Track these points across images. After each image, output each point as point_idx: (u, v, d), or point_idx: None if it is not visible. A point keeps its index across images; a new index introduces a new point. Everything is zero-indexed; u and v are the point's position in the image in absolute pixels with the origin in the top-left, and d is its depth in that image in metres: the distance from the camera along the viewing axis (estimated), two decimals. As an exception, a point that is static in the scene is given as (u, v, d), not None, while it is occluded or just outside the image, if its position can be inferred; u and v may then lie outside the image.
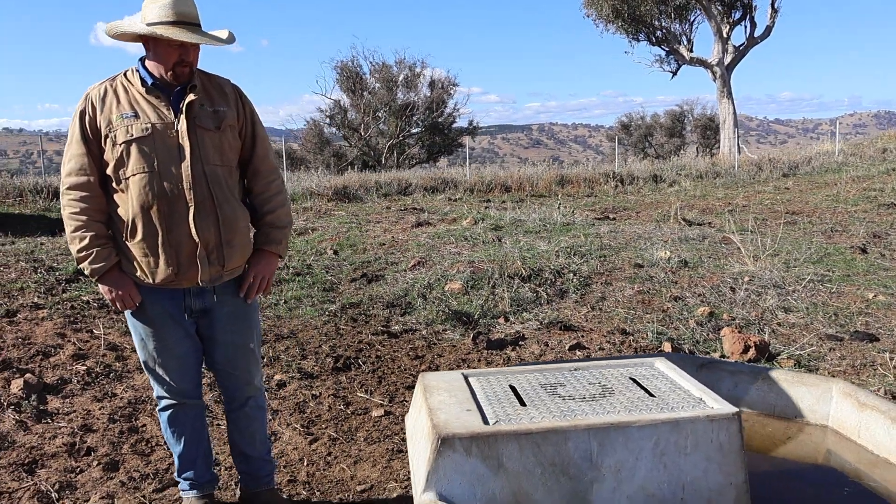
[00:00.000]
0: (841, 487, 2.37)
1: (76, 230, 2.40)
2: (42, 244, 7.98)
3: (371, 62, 39.03)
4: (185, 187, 2.38)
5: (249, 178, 2.62)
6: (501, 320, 5.89)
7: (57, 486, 3.05)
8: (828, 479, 2.45)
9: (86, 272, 2.44)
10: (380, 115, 32.81)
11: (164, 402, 2.65)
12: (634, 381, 2.41)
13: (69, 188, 2.40)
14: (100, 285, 2.46)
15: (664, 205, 12.15)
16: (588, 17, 26.52)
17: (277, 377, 4.49)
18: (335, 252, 8.09)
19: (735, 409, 2.08)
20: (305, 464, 3.36)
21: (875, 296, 6.54)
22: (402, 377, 4.63)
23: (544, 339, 5.45)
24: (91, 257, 2.40)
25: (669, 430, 2.03)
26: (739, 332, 5.65)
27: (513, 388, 2.35)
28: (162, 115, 2.40)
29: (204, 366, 2.67)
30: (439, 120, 33.26)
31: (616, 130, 40.65)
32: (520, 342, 5.41)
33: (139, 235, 2.38)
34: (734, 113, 25.41)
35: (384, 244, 8.54)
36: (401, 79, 32.66)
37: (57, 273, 6.45)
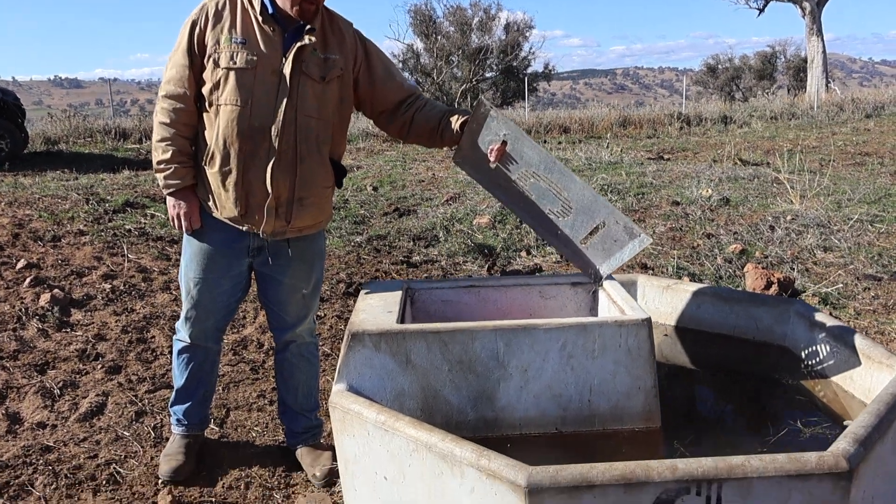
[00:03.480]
0: (775, 401, 2.36)
1: (162, 140, 2.37)
2: (102, 180, 8.42)
3: (445, 5, 38.53)
4: (273, 133, 2.30)
5: (396, 113, 2.55)
6: (523, 254, 5.92)
7: (61, 385, 3.34)
8: (766, 394, 2.44)
9: (159, 183, 2.42)
10: (453, 59, 32.49)
11: (179, 336, 2.65)
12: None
13: (166, 96, 2.35)
14: (168, 199, 2.44)
15: (728, 146, 11.73)
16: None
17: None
18: (374, 189, 8.23)
19: (645, 315, 2.09)
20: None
21: (925, 236, 6.22)
22: (409, 303, 4.75)
23: (561, 271, 5.46)
24: (169, 172, 2.38)
25: (577, 333, 2.07)
26: (764, 268, 5.50)
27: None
28: (271, 50, 2.31)
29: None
30: (514, 64, 32.70)
31: (702, 73, 39.01)
32: (535, 273, 5.43)
33: (216, 166, 2.34)
34: (823, 52, 24.02)
35: (423, 181, 8.63)
36: (475, 22, 32.14)
37: (107, 204, 6.82)
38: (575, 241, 2.43)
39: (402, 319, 2.23)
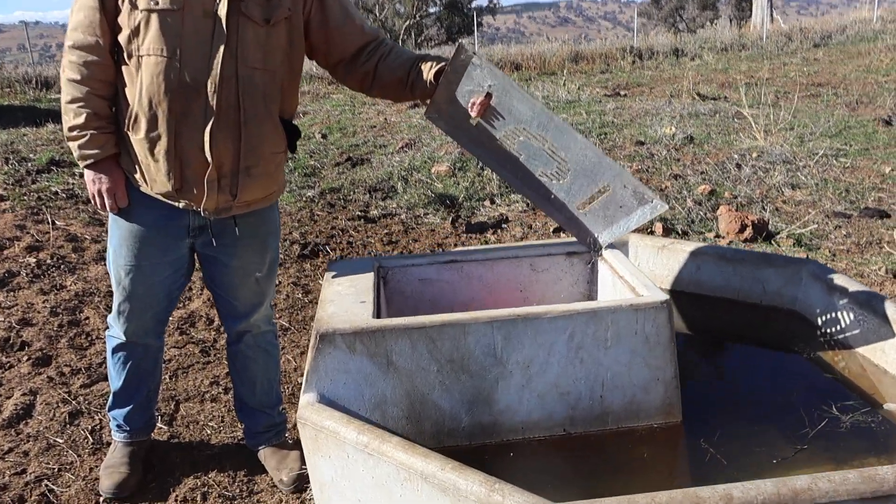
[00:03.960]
0: (798, 379, 2.12)
1: (73, 101, 1.96)
2: (24, 135, 7.73)
3: (384, -65, 37.08)
4: (209, 89, 1.92)
5: (356, 62, 2.17)
6: (487, 203, 5.60)
7: (-21, 383, 2.92)
8: (786, 371, 2.19)
9: (74, 154, 2.01)
10: (395, -7, 31.36)
11: (113, 332, 2.29)
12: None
13: (74, 46, 1.94)
14: (86, 172, 2.05)
15: (682, 80, 11.49)
16: None
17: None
18: (323, 136, 7.75)
19: (664, 297, 1.80)
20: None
21: (892, 170, 6.10)
22: (370, 264, 4.41)
23: (528, 221, 5.16)
24: (84, 140, 1.98)
25: (587, 321, 1.76)
26: (737, 210, 5.32)
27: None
28: None
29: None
30: (458, -2, 31.72)
31: (646, 4, 38.59)
32: (502, 225, 5.13)
33: (142, 131, 1.95)
34: (767, -20, 23.79)
35: (375, 126, 8.17)
36: (416, -47, 30.96)
37: (29, 164, 6.24)
38: (571, 206, 2.11)
39: (378, 310, 1.89)
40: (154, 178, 2.02)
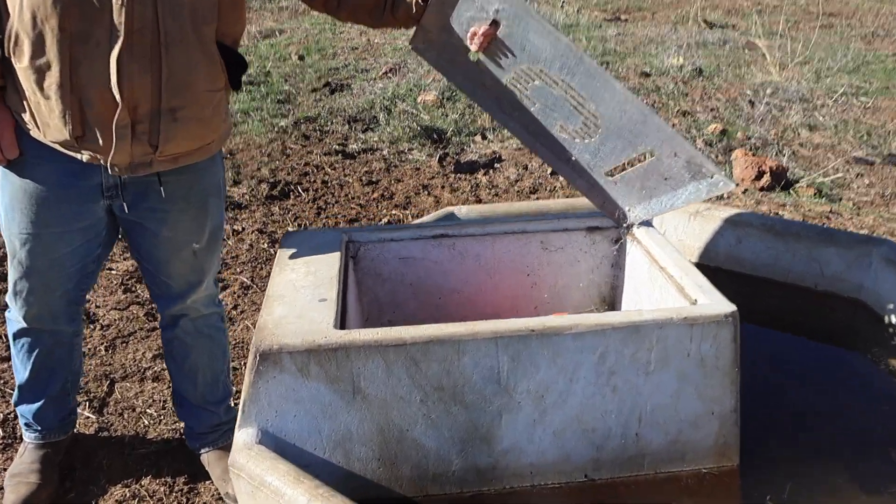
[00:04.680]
0: (869, 392, 1.70)
1: None
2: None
3: None
4: (115, 2, 1.41)
5: None
6: (478, 138, 5.08)
7: None
8: (855, 379, 1.77)
9: None
10: None
11: (11, 315, 1.82)
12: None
13: None
14: None
15: (685, 4, 10.79)
16: None
17: (197, 208, 3.79)
18: (300, 58, 7.09)
19: (730, 308, 1.34)
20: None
21: (918, 113, 5.62)
22: (346, 208, 3.92)
23: (524, 161, 4.66)
24: None
25: (624, 338, 1.31)
26: (753, 154, 4.86)
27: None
28: None
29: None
30: None
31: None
32: (495, 164, 4.63)
33: (25, 57, 1.45)
34: None
35: (357, 48, 7.49)
36: None
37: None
38: (596, 172, 1.63)
39: (343, 308, 1.42)
40: (46, 121, 1.50)
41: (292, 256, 1.61)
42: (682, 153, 1.50)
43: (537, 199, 4.15)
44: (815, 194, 4.49)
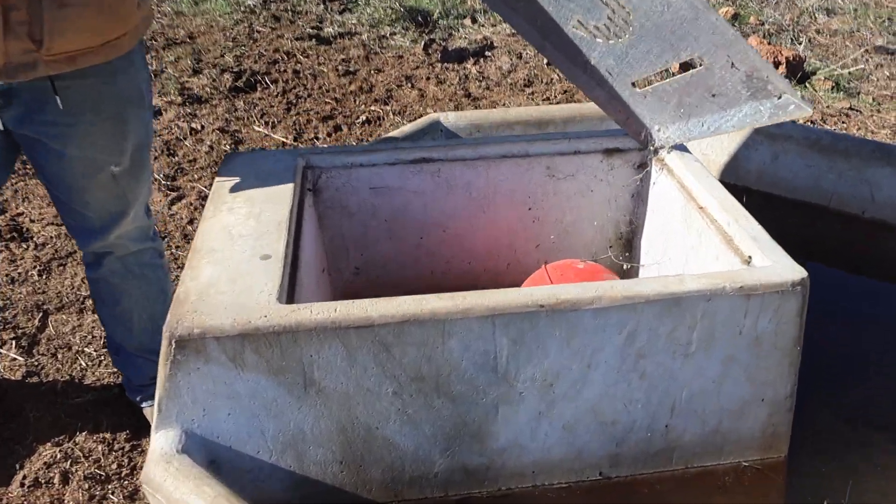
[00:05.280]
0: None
1: None
2: None
3: None
4: None
5: None
6: (468, 22, 4.60)
7: None
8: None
9: None
10: None
11: None
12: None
13: None
14: None
15: None
16: None
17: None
18: (271, -76, 6.40)
19: (801, 274, 1.02)
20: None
21: (948, -5, 5.14)
22: (320, 103, 3.50)
23: (518, 48, 4.21)
24: None
25: (660, 313, 0.99)
26: (769, 43, 4.44)
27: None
28: None
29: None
30: None
31: None
32: (486, 52, 4.18)
33: None
34: None
35: (333, -85, 6.78)
36: None
37: None
38: (618, 82, 1.26)
39: (293, 270, 1.09)
40: None
41: (234, 189, 1.27)
42: (743, 63, 1.14)
43: (532, 92, 3.74)
44: (832, 88, 4.12)
